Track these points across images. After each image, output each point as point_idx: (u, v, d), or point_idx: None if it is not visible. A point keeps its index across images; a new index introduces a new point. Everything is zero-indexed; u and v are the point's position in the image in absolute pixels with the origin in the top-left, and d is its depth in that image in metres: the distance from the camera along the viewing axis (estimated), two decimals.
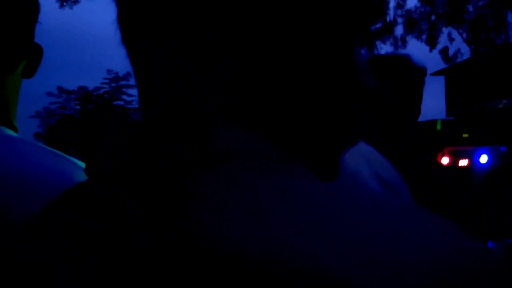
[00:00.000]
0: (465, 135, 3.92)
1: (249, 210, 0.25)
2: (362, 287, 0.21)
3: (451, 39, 17.13)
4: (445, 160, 3.54)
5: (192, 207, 0.26)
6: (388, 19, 17.43)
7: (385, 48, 16.64)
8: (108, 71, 16.49)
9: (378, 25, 17.35)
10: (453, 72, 13.94)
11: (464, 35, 16.50)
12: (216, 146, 0.29)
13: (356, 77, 0.33)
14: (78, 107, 15.99)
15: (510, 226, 3.26)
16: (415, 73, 1.00)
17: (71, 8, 12.03)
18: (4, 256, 0.31)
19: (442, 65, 15.16)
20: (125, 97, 16.39)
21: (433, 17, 16.75)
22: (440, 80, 14.42)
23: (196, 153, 0.29)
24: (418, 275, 0.23)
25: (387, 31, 17.18)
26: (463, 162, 3.53)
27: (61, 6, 11.78)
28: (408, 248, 0.24)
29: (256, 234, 0.24)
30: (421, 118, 1.03)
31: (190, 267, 0.24)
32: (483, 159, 3.57)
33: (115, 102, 16.06)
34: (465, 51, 17.15)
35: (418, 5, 16.99)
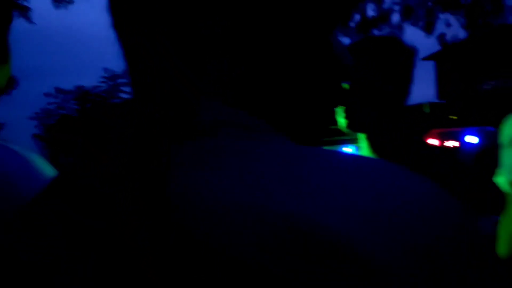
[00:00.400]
0: (454, 117, 3.93)
1: (231, 173, 0.26)
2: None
3: (448, 25, 17.03)
4: (434, 142, 3.56)
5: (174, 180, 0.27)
6: (384, 7, 17.30)
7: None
8: (105, 69, 16.54)
9: (374, 14, 17.22)
10: (443, 56, 13.97)
11: (461, 20, 16.41)
12: (200, 119, 0.29)
13: (337, 59, 0.34)
14: (76, 106, 15.99)
15: (497, 203, 3.29)
16: (406, 54, 1.03)
17: (66, 8, 12.03)
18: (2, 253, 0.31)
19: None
20: (123, 95, 16.43)
21: (429, 3, 16.65)
22: (431, 65, 14.49)
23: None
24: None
25: (383, 19, 17.09)
26: (452, 143, 3.54)
27: (56, 7, 11.78)
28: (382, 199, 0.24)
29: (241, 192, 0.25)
30: (412, 102, 1.09)
31: (190, 266, 0.24)
32: (471, 139, 3.59)
33: (113, 100, 16.15)
34: (463, 37, 17.10)
35: None
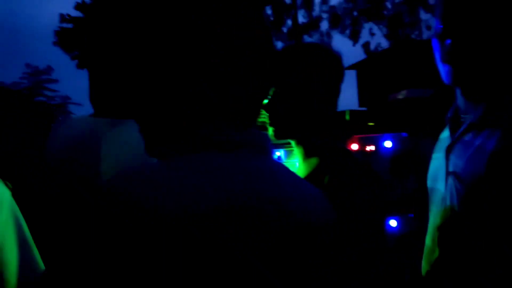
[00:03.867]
0: (371, 124, 4.33)
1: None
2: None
3: (372, 34, 18.18)
4: (354, 147, 3.88)
5: None
6: (314, 14, 17.87)
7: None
8: (27, 65, 15.39)
9: (305, 20, 17.69)
10: (363, 66, 14.89)
11: (384, 30, 17.61)
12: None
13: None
14: None
15: (411, 203, 3.67)
16: (333, 60, 1.04)
17: None
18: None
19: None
20: (47, 92, 15.40)
21: (355, 13, 17.63)
22: (353, 73, 15.37)
23: None
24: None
25: (313, 26, 17.69)
26: (370, 148, 3.90)
27: None
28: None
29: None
30: (337, 108, 1.11)
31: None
32: (387, 144, 3.98)
33: (36, 98, 15.04)
34: (385, 45, 18.14)
35: (341, 1, 17.71)
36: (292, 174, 0.61)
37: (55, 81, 14.91)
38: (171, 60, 0.53)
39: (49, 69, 15.21)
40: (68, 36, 13.66)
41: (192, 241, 0.47)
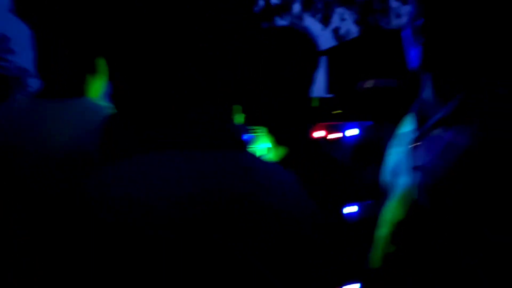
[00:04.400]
0: (338, 111, 4.35)
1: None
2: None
3: (343, 19, 18.28)
4: (320, 134, 3.89)
5: None
6: None
7: (283, 24, 17.12)
8: None
9: (277, 1, 17.59)
10: (334, 52, 15.06)
11: (355, 16, 17.73)
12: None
13: None
14: None
15: (371, 190, 3.70)
16: (306, 44, 1.02)
17: None
18: None
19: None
20: (2, 63, 14.53)
21: None
22: (324, 59, 15.53)
23: None
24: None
25: (285, 8, 17.59)
26: (335, 135, 3.92)
27: None
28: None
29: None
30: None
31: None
32: (352, 132, 4.00)
33: None
34: (355, 32, 18.40)
35: None
36: (269, 166, 0.60)
37: (11, 51, 14.09)
38: (159, 44, 0.53)
39: (4, 38, 14.33)
40: (27, 2, 12.90)
41: (162, 244, 0.47)
